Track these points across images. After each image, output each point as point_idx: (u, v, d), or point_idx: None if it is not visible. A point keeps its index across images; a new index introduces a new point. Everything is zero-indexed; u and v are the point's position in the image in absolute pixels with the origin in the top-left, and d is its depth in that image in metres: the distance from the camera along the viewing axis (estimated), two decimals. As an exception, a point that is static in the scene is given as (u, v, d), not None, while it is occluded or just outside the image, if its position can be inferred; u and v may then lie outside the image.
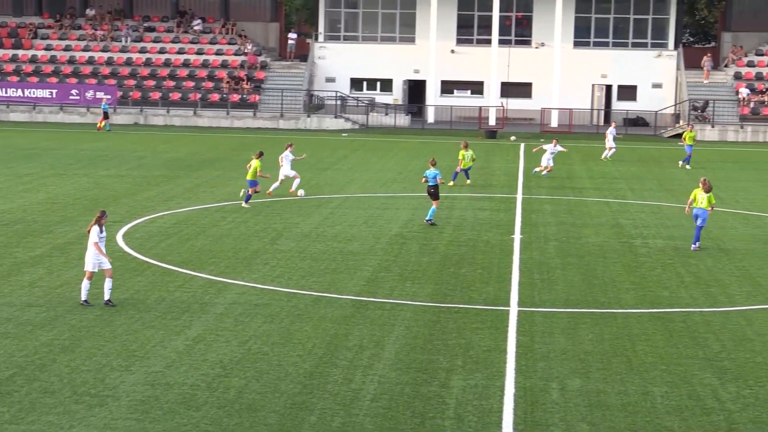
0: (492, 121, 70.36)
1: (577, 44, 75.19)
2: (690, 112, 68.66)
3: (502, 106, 71.27)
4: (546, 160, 44.32)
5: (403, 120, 71.62)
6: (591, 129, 70.75)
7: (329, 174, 44.06)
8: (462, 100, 75.00)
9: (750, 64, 73.09)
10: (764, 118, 67.82)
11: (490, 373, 17.27)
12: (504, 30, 73.84)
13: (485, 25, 74.28)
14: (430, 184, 31.41)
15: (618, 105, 74.49)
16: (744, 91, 69.39)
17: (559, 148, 45.69)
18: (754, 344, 19.26)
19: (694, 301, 22.64)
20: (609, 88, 75.26)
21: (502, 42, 72.40)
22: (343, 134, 65.12)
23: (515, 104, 73.76)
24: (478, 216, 33.31)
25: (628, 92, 74.80)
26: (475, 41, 76.13)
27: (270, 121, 69.42)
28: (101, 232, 20.88)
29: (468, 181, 40.90)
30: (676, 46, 74.79)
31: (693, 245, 28.33)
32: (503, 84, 72.44)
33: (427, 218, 31.44)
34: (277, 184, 37.23)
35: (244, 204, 34.12)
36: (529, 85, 75.14)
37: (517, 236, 29.97)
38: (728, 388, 16.77)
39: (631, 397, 16.28)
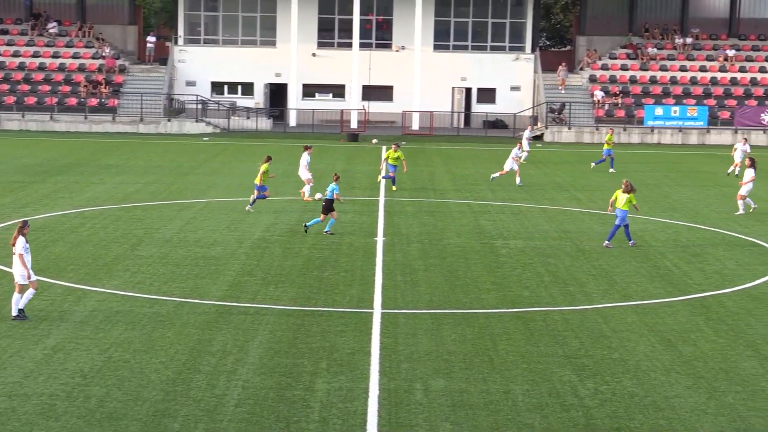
0: (354, 124, 70.61)
1: (436, 47, 76.01)
2: (547, 114, 70.05)
3: (364, 109, 71.61)
4: (509, 165, 43.44)
5: (264, 123, 71.35)
6: (451, 131, 71.63)
7: (190, 178, 43.64)
8: (324, 103, 75.11)
9: (604, 67, 74.93)
10: (618, 120, 69.59)
11: (355, 376, 17.33)
12: (365, 33, 74.21)
13: (346, 29, 74.52)
14: (328, 197, 31.01)
15: (477, 107, 75.57)
16: (599, 94, 71.11)
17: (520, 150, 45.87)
18: (611, 341, 19.75)
19: (553, 300, 23.10)
20: (468, 90, 76.27)
21: (363, 45, 72.75)
22: (204, 138, 64.56)
23: (377, 107, 74.21)
24: (341, 219, 33.39)
25: (487, 95, 75.94)
26: (336, 44, 76.34)
27: (130, 125, 68.37)
28: (26, 242, 20.25)
29: (393, 187, 40.91)
30: (533, 50, 76.22)
31: (606, 242, 29.44)
32: (365, 87, 72.78)
33: (326, 229, 30.96)
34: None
35: (248, 207, 34.42)
36: (390, 88, 75.66)
37: (379, 239, 30.15)
38: (587, 384, 17.16)
39: (493, 395, 16.53)
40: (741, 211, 36.22)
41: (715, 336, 20.26)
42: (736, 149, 48.04)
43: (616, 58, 75.77)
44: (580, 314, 21.85)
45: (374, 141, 63.19)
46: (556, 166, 52.22)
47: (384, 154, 42.38)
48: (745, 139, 45.64)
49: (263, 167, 34.45)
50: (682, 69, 74.49)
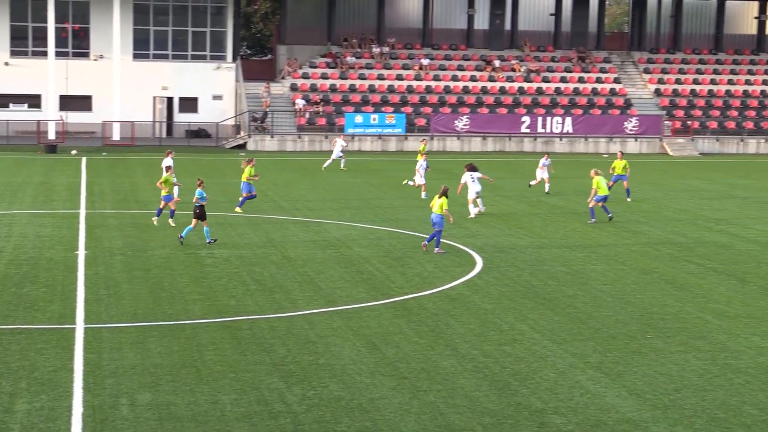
0: (51, 135, 68.35)
1: (136, 56, 74.79)
2: (250, 123, 70.26)
3: (62, 119, 69.49)
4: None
5: (-46, 135, 68.02)
6: (154, 141, 70.62)
7: None
8: (18, 114, 72.36)
9: (305, 76, 75.91)
10: (320, 128, 70.68)
11: (57, 394, 16.79)
12: (61, 42, 71.99)
13: (41, 37, 72.08)
14: (197, 204, 30.80)
15: (180, 117, 74.87)
16: (300, 102, 71.97)
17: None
18: (317, 347, 20.02)
19: (259, 308, 23.18)
20: (171, 100, 75.47)
21: (59, 54, 70.53)
22: None
23: (75, 117, 72.21)
24: (40, 233, 32.29)
25: (189, 104, 75.36)
26: (31, 53, 73.75)
27: None
28: None
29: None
30: (234, 59, 76.28)
31: (424, 242, 30.61)
32: (62, 97, 70.64)
33: (207, 240, 30.83)
34: None
35: (237, 208, 37.22)
36: (89, 98, 73.78)
37: (81, 252, 29.35)
38: (294, 391, 17.32)
39: (201, 406, 16.41)
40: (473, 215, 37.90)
41: (416, 337, 20.91)
42: (543, 167, 47.98)
43: (316, 67, 76.94)
44: (287, 321, 22.03)
45: (73, 152, 61.46)
46: (260, 174, 52.35)
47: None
48: (547, 155, 46.42)
49: (248, 170, 37.86)
50: (380, 77, 76.51)
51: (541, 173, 45.38)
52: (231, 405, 16.53)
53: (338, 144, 56.77)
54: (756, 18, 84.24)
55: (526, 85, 76.95)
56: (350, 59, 77.56)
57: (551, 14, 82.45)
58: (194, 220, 31.16)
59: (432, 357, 19.51)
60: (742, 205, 42.93)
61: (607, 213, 37.50)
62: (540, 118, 72.04)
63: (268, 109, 71.18)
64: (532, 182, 45.94)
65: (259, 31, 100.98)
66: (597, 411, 16.65)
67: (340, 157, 56.11)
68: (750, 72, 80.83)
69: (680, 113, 75.97)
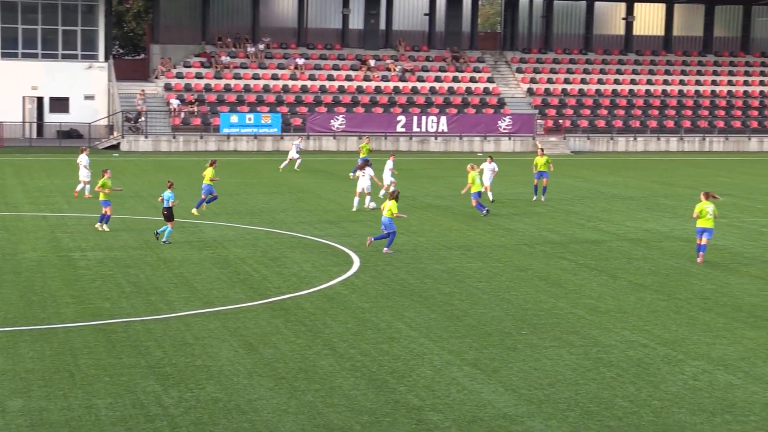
0: None
1: (5, 55, 73.14)
2: (123, 123, 69.24)
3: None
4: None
5: None
6: (24, 142, 69.11)
7: None
8: None
9: (179, 76, 75.13)
10: (195, 128, 70.03)
11: (-76, 403, 16.31)
12: (-75, 40, 69.91)
13: None
14: (165, 206, 31.26)
15: (51, 117, 73.42)
16: (174, 102, 71.21)
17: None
18: (194, 348, 19.84)
19: (135, 311, 22.86)
20: (41, 100, 73.93)
21: (-77, 52, 68.51)
22: None
23: (-59, 118, 70.27)
24: None
25: (60, 104, 73.95)
26: None
27: None
28: None
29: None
30: (106, 58, 75.10)
31: (370, 238, 31.14)
32: (-73, 97, 68.64)
33: (163, 239, 31.13)
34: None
35: (193, 210, 37.09)
36: (-45, 97, 71.92)
37: (-52, 256, 28.57)
38: (171, 393, 17.13)
39: (74, 411, 16.12)
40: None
41: (294, 337, 20.87)
42: (483, 169, 47.70)
43: (190, 67, 76.21)
44: (163, 323, 21.78)
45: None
46: (135, 175, 51.73)
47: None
48: (491, 158, 44.85)
49: (209, 172, 37.89)
50: (255, 77, 76.16)
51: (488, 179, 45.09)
52: (106, 409, 16.27)
53: (294, 146, 56.61)
54: (624, 19, 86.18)
55: (401, 85, 77.42)
56: (225, 59, 77.05)
57: (425, 14, 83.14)
58: (169, 223, 31.48)
59: (310, 357, 19.50)
60: (612, 202, 43.87)
61: (481, 209, 38.03)
62: (415, 118, 72.54)
63: (141, 109, 70.25)
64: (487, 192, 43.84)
65: (131, 30, 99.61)
66: (473, 407, 16.84)
67: (297, 158, 56.03)
68: (618, 72, 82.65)
69: (552, 112, 77.31)
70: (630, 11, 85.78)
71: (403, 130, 71.84)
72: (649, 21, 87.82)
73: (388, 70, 78.70)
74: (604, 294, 25.64)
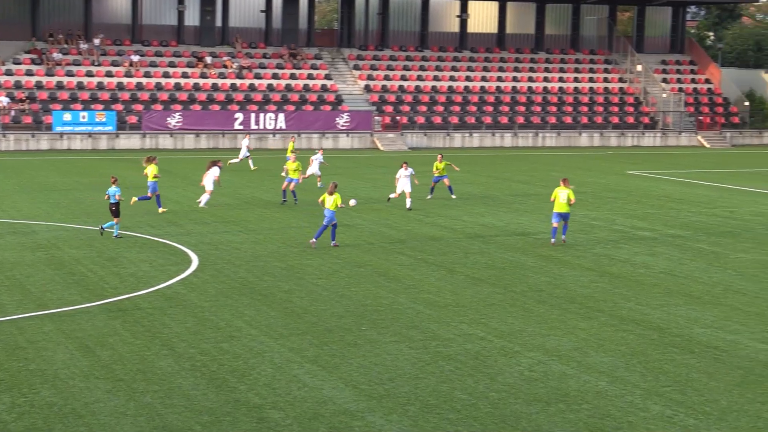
0: None
1: None
2: (-50, 121, 66.94)
3: None
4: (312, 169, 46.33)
5: None
6: None
7: None
8: None
9: (8, 73, 73.04)
10: (26, 127, 68.19)
11: None
12: None
13: None
14: (112, 201, 31.96)
15: None
16: (4, 100, 69.19)
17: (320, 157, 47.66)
18: (27, 352, 19.34)
19: (-36, 315, 22.17)
20: None
21: None
22: None
23: None
24: None
25: None
26: None
27: None
28: None
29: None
30: (-69, 54, 72.46)
31: (312, 240, 31.25)
32: None
33: (114, 234, 32.08)
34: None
35: (160, 210, 37.16)
36: None
37: None
38: (3, 399, 16.67)
39: None
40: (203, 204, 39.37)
41: (132, 338, 20.55)
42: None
43: (20, 63, 74.17)
44: (-6, 327, 21.17)
45: None
46: (-38, 175, 50.07)
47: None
48: (406, 163, 43.65)
49: (152, 168, 37.29)
50: (89, 74, 74.58)
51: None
52: (-65, 418, 15.74)
53: (244, 144, 56.42)
54: (458, 16, 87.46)
55: (238, 82, 76.95)
56: (57, 55, 75.21)
57: (262, 11, 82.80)
58: (115, 219, 32.07)
59: (148, 357, 19.23)
60: (450, 197, 44.43)
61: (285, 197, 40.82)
62: (253, 115, 72.19)
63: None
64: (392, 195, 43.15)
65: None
66: (314, 404, 16.87)
67: (247, 156, 55.64)
68: (454, 69, 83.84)
69: (389, 108, 77.94)
70: (464, 9, 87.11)
71: (241, 127, 71.38)
72: (483, 19, 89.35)
73: (225, 67, 78.11)
74: (443, 288, 26.00)
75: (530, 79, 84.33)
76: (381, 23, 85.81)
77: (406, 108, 78.46)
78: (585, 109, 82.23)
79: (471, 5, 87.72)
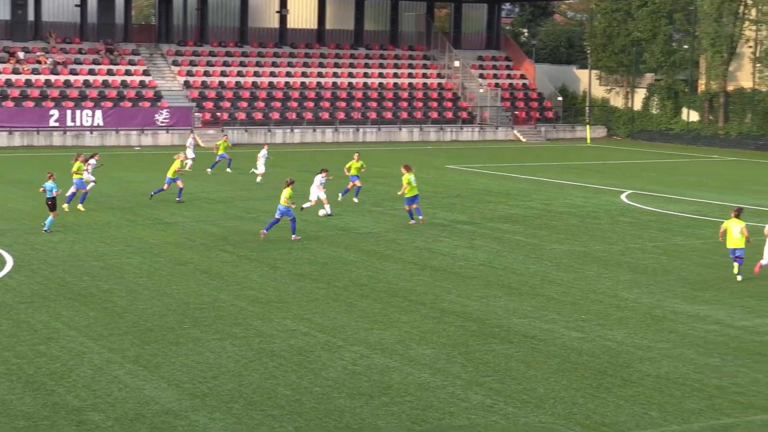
0: None
1: None
2: None
3: None
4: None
5: None
6: None
7: None
8: None
9: None
10: None
11: None
12: None
13: None
14: (48, 196, 32.42)
15: None
16: None
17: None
18: None
19: None
20: None
21: None
22: None
23: None
24: None
25: None
26: None
27: None
28: None
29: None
30: None
31: (263, 230, 32.05)
32: None
33: (45, 228, 32.56)
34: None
35: (79, 205, 37.13)
36: None
37: None
38: None
39: None
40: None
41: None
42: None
43: None
44: None
45: None
46: None
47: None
48: (326, 171, 41.45)
49: (77, 165, 37.11)
50: None
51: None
52: None
53: (190, 144, 55.06)
54: (278, 12, 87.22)
55: (53, 78, 74.95)
56: None
57: (76, 5, 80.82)
58: (52, 213, 32.49)
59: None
60: (270, 192, 44.29)
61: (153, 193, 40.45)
62: (69, 112, 70.41)
63: None
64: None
65: None
66: (136, 405, 16.61)
67: (192, 157, 53.91)
68: (274, 64, 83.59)
69: (210, 105, 77.20)
70: (284, 4, 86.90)
71: (57, 124, 69.55)
72: (303, 14, 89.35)
73: (39, 62, 75.94)
74: (265, 285, 25.93)
75: (350, 75, 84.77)
76: (200, 18, 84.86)
77: (227, 104, 77.86)
78: (405, 104, 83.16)
79: (290, 1, 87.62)
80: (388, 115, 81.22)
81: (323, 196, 37.85)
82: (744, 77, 78.93)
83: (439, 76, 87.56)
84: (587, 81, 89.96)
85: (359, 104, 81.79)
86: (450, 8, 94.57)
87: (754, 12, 77.14)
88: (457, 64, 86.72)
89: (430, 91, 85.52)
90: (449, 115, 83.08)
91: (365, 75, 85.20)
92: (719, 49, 78.18)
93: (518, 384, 18.15)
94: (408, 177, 35.40)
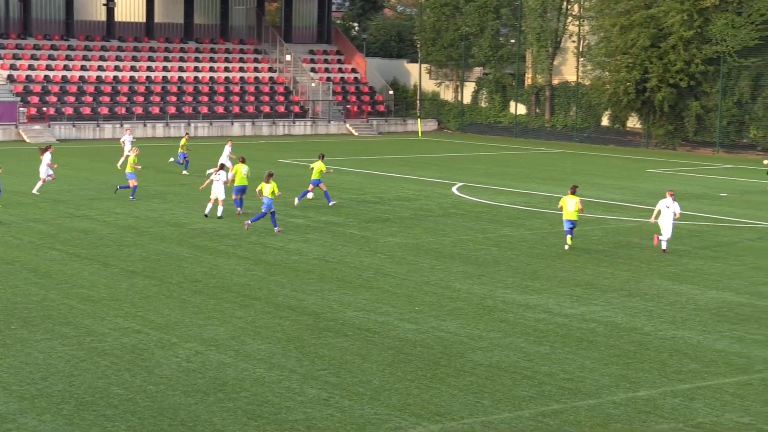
0: None
1: None
2: None
3: None
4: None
5: None
6: None
7: None
8: None
9: None
10: None
11: None
12: None
13: None
14: None
15: None
16: None
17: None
18: None
19: None
20: None
21: None
22: None
23: None
24: None
25: None
26: None
27: None
28: None
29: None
30: None
31: (247, 222, 34.42)
32: None
33: None
34: None
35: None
36: None
37: None
38: None
39: None
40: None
41: None
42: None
43: None
44: None
45: None
46: None
47: None
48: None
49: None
50: None
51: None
52: None
53: (126, 139, 53.06)
54: (104, 5, 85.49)
55: None
56: None
57: None
58: None
59: None
60: (101, 190, 43.43)
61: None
62: None
63: None
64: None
65: None
66: (-38, 409, 16.10)
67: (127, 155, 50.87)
68: (102, 58, 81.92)
69: (35, 99, 75.20)
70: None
71: None
72: (131, 7, 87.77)
73: None
74: (96, 282, 25.44)
75: (181, 69, 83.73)
76: (22, 11, 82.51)
77: (53, 99, 75.95)
78: (236, 98, 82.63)
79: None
80: (220, 109, 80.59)
81: (222, 197, 35.87)
82: (568, 71, 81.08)
83: (270, 70, 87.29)
84: (417, 75, 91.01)
85: (190, 98, 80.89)
86: (280, 2, 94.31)
87: (576, 8, 79.29)
88: (288, 58, 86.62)
89: (261, 85, 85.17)
90: (281, 109, 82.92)
91: (196, 69, 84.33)
92: (544, 44, 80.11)
93: (353, 377, 18.27)
94: (239, 168, 36.56)
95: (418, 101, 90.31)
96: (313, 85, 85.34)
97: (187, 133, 56.85)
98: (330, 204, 39.43)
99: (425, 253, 30.37)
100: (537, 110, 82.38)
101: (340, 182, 47.89)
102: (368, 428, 15.83)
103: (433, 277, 27.13)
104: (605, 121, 78.37)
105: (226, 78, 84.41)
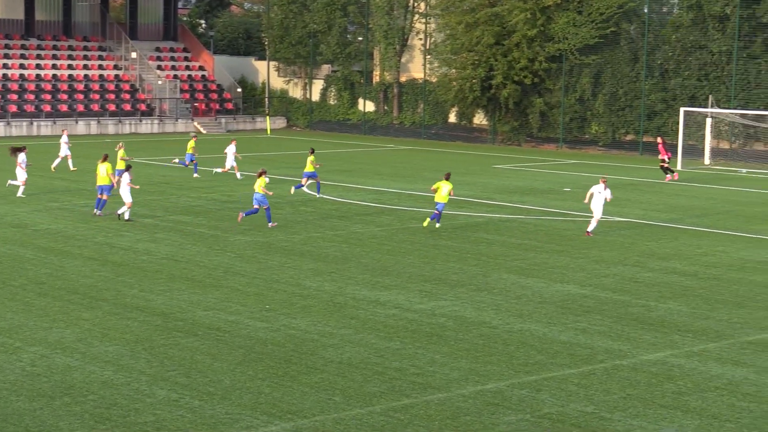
0: None
1: None
2: None
3: None
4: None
5: None
6: None
7: None
8: None
9: None
10: None
11: None
12: None
13: None
14: None
15: None
16: None
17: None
18: None
19: None
20: None
21: None
22: None
23: None
24: None
25: None
26: None
27: None
28: None
29: None
30: None
31: (242, 213, 34.18)
32: None
33: None
34: None
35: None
36: None
37: None
38: None
39: None
40: None
41: None
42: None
43: None
44: None
45: None
46: None
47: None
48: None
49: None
50: None
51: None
52: None
53: (62, 141, 51.26)
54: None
55: None
56: None
57: None
58: None
59: None
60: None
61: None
62: None
63: None
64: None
65: None
66: None
67: (67, 155, 50.30)
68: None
69: None
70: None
71: None
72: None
73: None
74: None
75: (22, 66, 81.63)
76: None
77: None
78: (81, 96, 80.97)
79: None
80: (64, 107, 78.86)
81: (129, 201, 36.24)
82: (416, 69, 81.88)
83: (116, 67, 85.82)
84: (266, 72, 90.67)
85: (32, 97, 78.93)
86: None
87: (423, 5, 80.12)
88: (134, 55, 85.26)
89: (107, 83, 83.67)
90: (128, 107, 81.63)
91: (38, 67, 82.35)
92: (391, 42, 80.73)
93: (204, 377, 18.12)
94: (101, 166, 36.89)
95: (266, 99, 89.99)
96: (159, 82, 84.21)
97: (195, 135, 55.62)
98: (318, 196, 42.15)
99: (275, 251, 30.30)
100: (385, 107, 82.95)
101: (188, 180, 47.41)
102: (219, 428, 15.73)
103: (284, 275, 27.09)
104: (452, 118, 79.41)
105: (70, 76, 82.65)
